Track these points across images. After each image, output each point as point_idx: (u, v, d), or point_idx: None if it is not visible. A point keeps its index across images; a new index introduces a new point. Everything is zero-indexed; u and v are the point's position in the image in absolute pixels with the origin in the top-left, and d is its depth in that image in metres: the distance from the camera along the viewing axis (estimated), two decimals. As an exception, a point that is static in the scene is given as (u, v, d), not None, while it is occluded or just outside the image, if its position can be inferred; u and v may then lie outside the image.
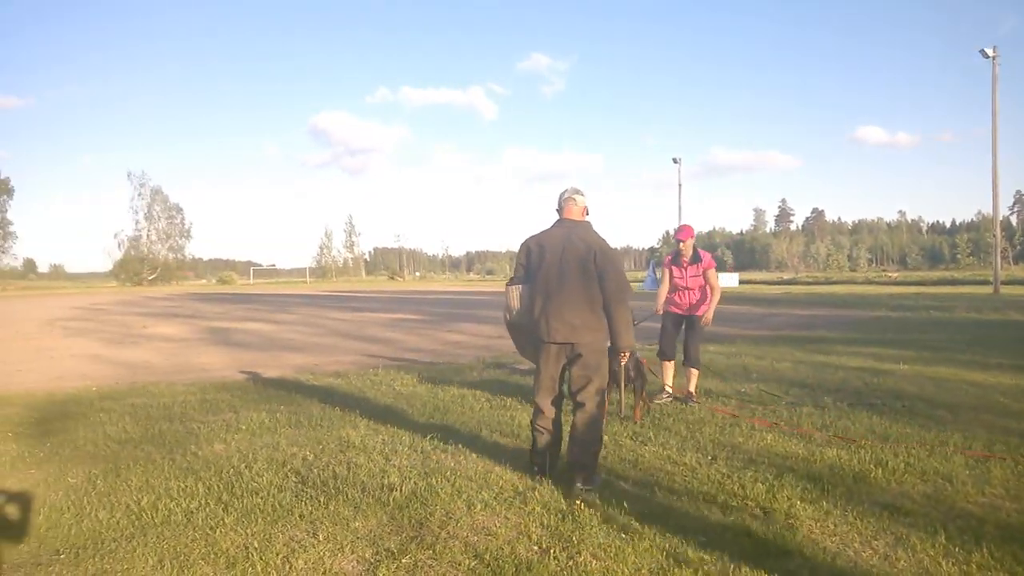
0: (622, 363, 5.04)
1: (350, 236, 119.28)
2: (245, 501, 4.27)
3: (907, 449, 5.19)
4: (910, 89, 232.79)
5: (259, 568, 3.34)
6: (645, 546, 3.51)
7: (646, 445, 5.45)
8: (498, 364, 10.41)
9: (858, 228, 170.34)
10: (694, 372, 7.33)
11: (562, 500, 4.21)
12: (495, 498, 4.25)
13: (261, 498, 4.32)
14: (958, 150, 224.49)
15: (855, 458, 4.99)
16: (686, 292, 7.36)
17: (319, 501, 4.23)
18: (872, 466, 4.78)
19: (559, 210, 4.77)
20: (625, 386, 6.38)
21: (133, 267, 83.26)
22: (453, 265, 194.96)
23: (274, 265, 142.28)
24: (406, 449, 5.42)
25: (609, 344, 4.64)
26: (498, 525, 3.85)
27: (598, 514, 3.97)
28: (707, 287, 7.29)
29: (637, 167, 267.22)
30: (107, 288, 70.50)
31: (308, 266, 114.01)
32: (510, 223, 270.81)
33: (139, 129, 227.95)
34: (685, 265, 7.35)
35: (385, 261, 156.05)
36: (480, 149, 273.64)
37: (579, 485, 4.39)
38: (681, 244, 7.37)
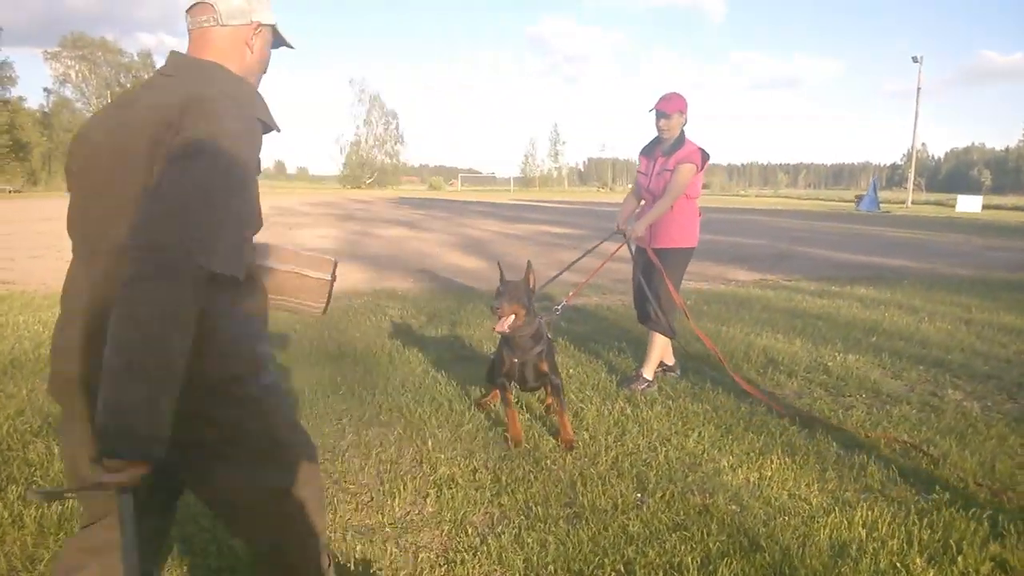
0: None
1: (555, 145, 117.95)
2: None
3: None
4: None
5: None
6: None
7: (542, 469, 3.49)
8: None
9: None
10: (654, 339, 4.71)
11: None
12: None
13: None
14: None
15: None
16: (651, 199, 4.69)
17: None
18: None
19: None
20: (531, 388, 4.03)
21: (354, 171, 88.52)
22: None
23: (493, 174, 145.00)
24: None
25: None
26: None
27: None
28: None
29: (880, 74, 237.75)
30: (325, 189, 75.41)
31: (512, 176, 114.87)
32: (731, 133, 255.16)
33: (368, 43, 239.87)
34: (658, 156, 4.65)
35: (599, 172, 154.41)
36: (701, 53, 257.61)
37: None
38: (662, 120, 4.52)
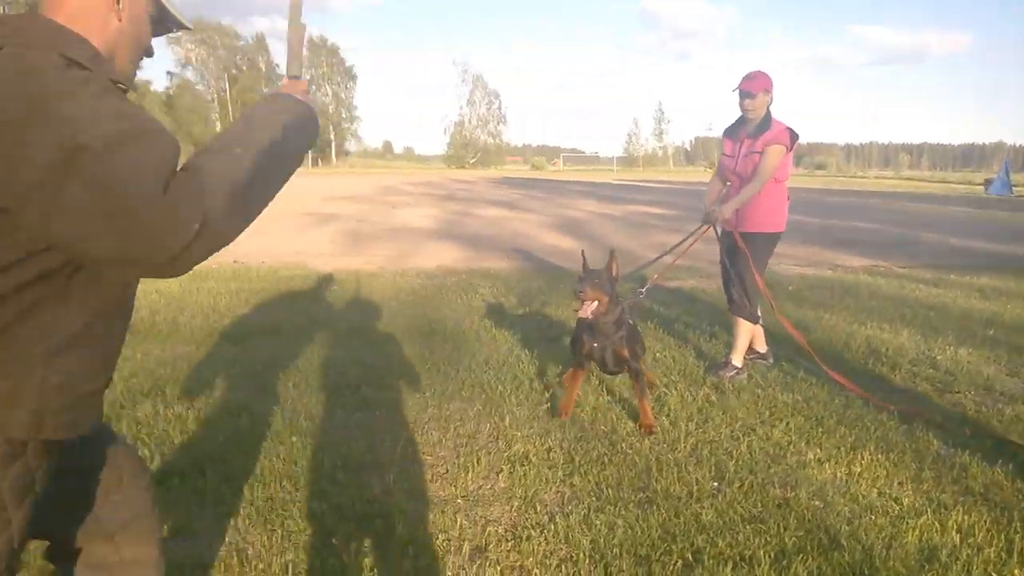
0: None
1: (659, 124, 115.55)
2: None
3: None
4: None
5: None
6: None
7: (617, 452, 3.42)
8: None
9: None
10: (740, 326, 4.59)
11: None
12: None
13: None
14: None
15: None
16: (738, 182, 4.53)
17: None
18: None
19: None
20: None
21: (458, 151, 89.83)
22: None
23: (596, 154, 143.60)
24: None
25: None
26: None
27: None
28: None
29: (1014, 47, 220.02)
30: (429, 169, 76.80)
31: (616, 155, 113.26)
32: (849, 111, 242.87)
33: (472, 21, 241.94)
34: (744, 137, 4.47)
35: (706, 151, 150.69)
36: (819, 27, 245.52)
37: None
38: (747, 100, 4.35)
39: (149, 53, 1.44)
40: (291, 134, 1.31)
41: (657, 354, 4.91)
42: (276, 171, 1.29)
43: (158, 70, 74.13)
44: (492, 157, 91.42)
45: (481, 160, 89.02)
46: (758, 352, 4.79)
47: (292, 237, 12.22)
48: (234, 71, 71.27)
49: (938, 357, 4.94)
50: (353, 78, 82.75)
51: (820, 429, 3.61)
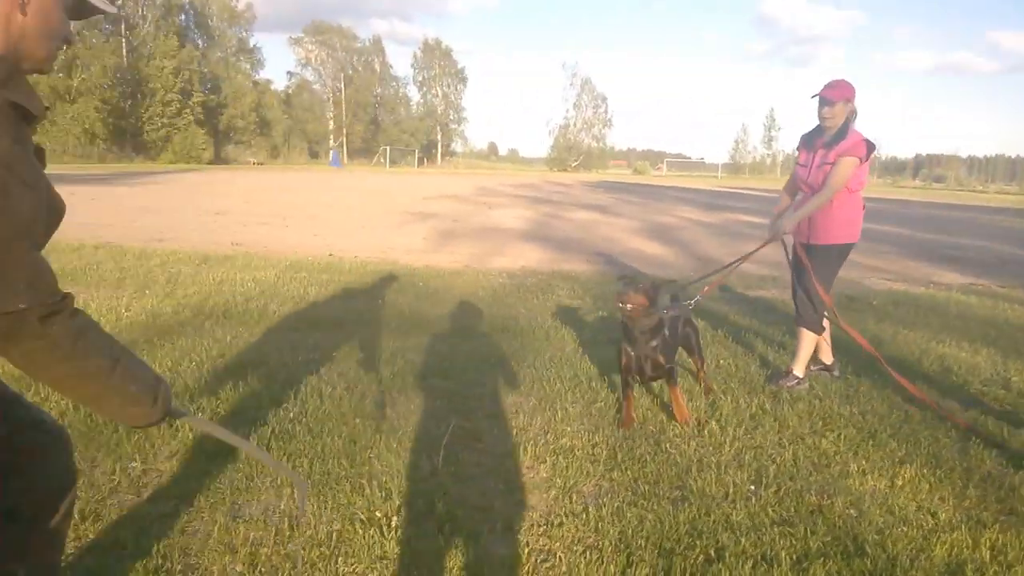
0: None
1: (769, 131, 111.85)
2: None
3: None
4: None
5: None
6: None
7: (660, 451, 3.51)
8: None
9: None
10: (803, 336, 4.54)
11: None
12: None
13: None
14: None
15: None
16: (809, 193, 4.49)
17: None
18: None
19: None
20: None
21: (561, 154, 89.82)
22: (896, 168, 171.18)
23: (702, 159, 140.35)
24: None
25: None
26: None
27: None
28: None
29: None
30: (530, 171, 77.36)
31: (721, 162, 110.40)
32: (980, 121, 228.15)
33: (583, 24, 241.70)
34: (819, 147, 4.44)
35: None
36: (948, 33, 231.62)
37: None
38: (825, 108, 4.30)
39: (69, 40, 1.45)
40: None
41: (721, 361, 4.95)
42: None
43: (279, 70, 77.44)
44: (595, 161, 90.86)
45: (584, 163, 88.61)
46: (823, 363, 4.76)
47: (388, 233, 12.75)
48: (350, 71, 73.99)
49: (1013, 379, 4.76)
50: (463, 80, 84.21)
51: (871, 442, 3.60)
